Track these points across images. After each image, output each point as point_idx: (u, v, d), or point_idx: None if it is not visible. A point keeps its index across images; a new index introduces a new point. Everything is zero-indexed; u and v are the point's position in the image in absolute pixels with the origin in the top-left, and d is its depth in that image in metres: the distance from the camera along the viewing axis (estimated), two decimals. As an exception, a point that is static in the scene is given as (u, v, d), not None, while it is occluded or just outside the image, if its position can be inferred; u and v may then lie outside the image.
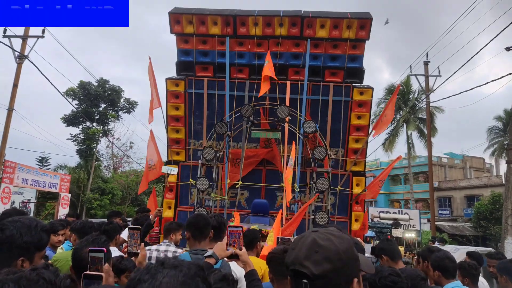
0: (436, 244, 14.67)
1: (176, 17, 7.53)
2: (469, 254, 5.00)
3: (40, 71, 15.46)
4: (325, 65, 7.61)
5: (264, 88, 7.14)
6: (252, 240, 4.37)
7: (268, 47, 7.57)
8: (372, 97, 7.66)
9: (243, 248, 2.48)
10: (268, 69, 6.89)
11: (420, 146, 31.41)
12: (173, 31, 7.64)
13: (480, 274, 4.44)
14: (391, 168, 8.14)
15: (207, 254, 2.44)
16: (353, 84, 7.63)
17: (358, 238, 4.07)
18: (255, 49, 7.61)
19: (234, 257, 2.40)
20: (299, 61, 7.64)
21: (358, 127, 7.80)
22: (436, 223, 25.67)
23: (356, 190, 7.97)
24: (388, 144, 30.38)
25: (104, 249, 1.94)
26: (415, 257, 5.50)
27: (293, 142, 6.64)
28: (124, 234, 5.53)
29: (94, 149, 27.17)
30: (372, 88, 7.66)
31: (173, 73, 8.15)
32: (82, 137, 26.59)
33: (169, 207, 8.13)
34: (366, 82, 7.85)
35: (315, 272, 1.06)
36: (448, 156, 37.75)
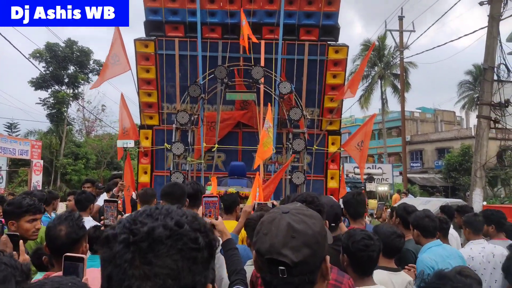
0: (409, 196, 15.26)
1: (142, -28, 7.08)
2: (441, 208, 5.21)
3: (0, 33, 14.50)
4: (300, 23, 7.40)
5: (246, 45, 6.88)
6: (231, 204, 4.39)
7: (241, 4, 7.26)
8: (347, 55, 7.58)
9: (219, 218, 2.45)
10: (247, 29, 6.66)
11: (394, 101, 31.92)
12: (140, -12, 7.21)
13: (451, 227, 4.66)
14: (369, 132, 8.09)
15: None
16: (328, 42, 7.48)
17: (331, 196, 4.11)
18: (228, 6, 7.29)
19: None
20: (273, 19, 7.39)
21: (333, 86, 7.75)
22: (408, 175, 26.64)
23: (332, 148, 8.05)
24: (364, 100, 30.72)
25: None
26: (388, 209, 5.68)
27: (269, 104, 6.55)
28: (100, 202, 5.46)
29: (65, 113, 26.35)
30: (348, 46, 7.56)
31: (139, 32, 7.79)
32: (51, 101, 25.66)
33: (145, 172, 8.03)
34: (340, 37, 7.71)
35: (295, 260, 1.03)
36: (420, 111, 38.62)
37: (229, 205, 4.36)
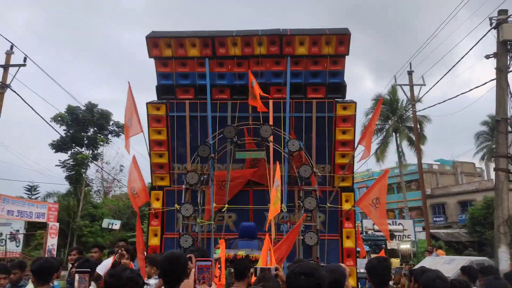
0: (434, 254, 14.50)
1: (154, 41, 7.45)
2: (462, 269, 4.89)
3: (23, 100, 15.24)
4: (306, 82, 7.55)
5: (260, 105, 7.01)
6: (243, 270, 4.20)
7: (249, 66, 7.50)
8: (355, 111, 7.59)
9: (213, 285, 2.31)
10: (258, 89, 6.84)
11: (410, 154, 31.60)
12: (152, 55, 7.55)
13: (475, 288, 4.32)
14: (385, 188, 7.89)
15: None
16: (335, 99, 7.56)
17: (342, 265, 3.89)
18: (236, 69, 7.54)
19: None
20: (280, 79, 7.57)
21: (343, 142, 7.71)
22: (431, 231, 25.58)
23: (346, 206, 7.82)
24: (380, 153, 30.51)
25: None
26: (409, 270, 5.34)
27: (277, 162, 6.51)
28: (101, 267, 5.31)
29: (84, 175, 26.82)
30: (355, 103, 7.61)
31: (152, 93, 8.06)
32: (71, 163, 26.27)
33: (155, 235, 7.89)
34: (350, 91, 7.82)
35: None
36: (438, 163, 37.95)
37: (241, 270, 4.19)
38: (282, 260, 5.83)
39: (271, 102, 7.53)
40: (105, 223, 7.46)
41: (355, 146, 7.75)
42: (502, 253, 8.00)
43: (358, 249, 8.87)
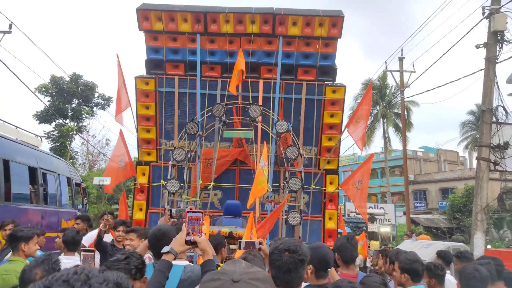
0: (413, 238, 14.87)
1: (145, 13, 7.30)
2: (438, 253, 5.04)
3: (8, 68, 14.84)
4: (297, 63, 7.53)
5: (234, 84, 6.98)
6: (217, 246, 4.25)
7: (240, 44, 7.43)
8: (344, 95, 7.63)
9: (203, 235, 2.33)
10: (240, 64, 6.77)
11: (396, 140, 31.92)
12: (142, 27, 7.41)
13: (448, 272, 4.48)
14: (368, 172, 8.04)
15: (163, 250, 2.29)
16: (325, 82, 7.57)
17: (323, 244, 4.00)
18: (227, 46, 7.46)
19: (193, 244, 2.25)
20: (271, 59, 7.53)
21: (331, 126, 7.77)
22: (412, 216, 26.15)
23: (330, 188, 7.96)
24: (366, 138, 30.75)
25: None
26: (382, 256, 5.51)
27: (264, 143, 6.54)
28: (86, 239, 5.33)
29: (68, 147, 26.48)
30: (345, 86, 7.64)
31: (141, 71, 7.94)
32: (55, 135, 25.85)
33: (140, 209, 7.94)
34: (342, 74, 7.84)
35: None
36: (423, 150, 38.53)
37: (215, 246, 4.24)
38: (264, 238, 5.93)
39: (261, 82, 7.51)
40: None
41: (342, 130, 7.82)
42: (478, 239, 8.27)
43: (340, 230, 9.07)
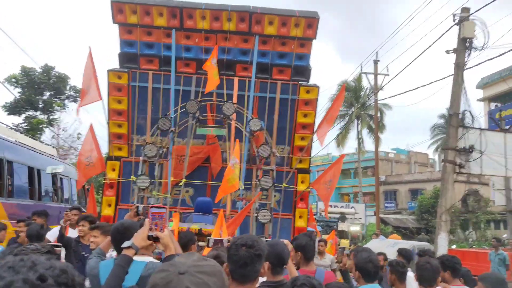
0: (381, 237, 15.27)
1: (119, 5, 7.18)
2: (399, 251, 5.22)
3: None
4: (273, 62, 7.58)
5: (211, 85, 6.97)
6: (187, 243, 4.27)
7: (216, 41, 7.41)
8: (318, 95, 7.73)
9: (166, 231, 2.34)
10: (210, 63, 6.74)
11: (370, 141, 32.57)
12: (116, 20, 7.29)
13: (409, 269, 4.64)
14: (339, 171, 8.18)
15: (124, 245, 2.28)
16: (300, 82, 7.66)
17: (285, 241, 4.09)
18: (203, 43, 7.43)
19: (155, 239, 2.26)
20: (247, 58, 7.55)
21: (304, 125, 7.86)
22: (382, 215, 26.78)
23: (301, 187, 8.05)
24: (341, 139, 31.25)
25: None
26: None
27: (237, 140, 6.56)
28: (51, 234, 5.22)
29: (38, 140, 25.74)
30: (318, 87, 7.74)
31: (114, 64, 7.80)
32: (25, 127, 25.06)
33: (109, 205, 7.80)
34: (316, 74, 7.94)
35: None
36: (394, 152, 39.48)
37: (185, 243, 4.25)
38: (233, 236, 5.96)
39: (236, 80, 7.52)
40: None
41: (315, 130, 7.93)
42: (441, 239, 8.56)
43: (310, 229, 9.21)
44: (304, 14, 7.27)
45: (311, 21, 7.24)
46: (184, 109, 7.16)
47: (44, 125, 25.56)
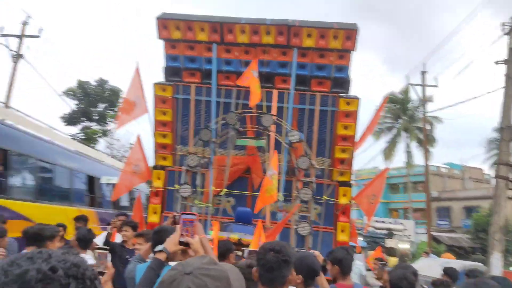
0: (431, 256, 14.54)
1: (164, 22, 7.53)
2: (444, 270, 4.97)
3: (36, 71, 15.59)
4: (312, 74, 7.58)
5: (255, 98, 7.10)
6: (225, 252, 4.35)
7: (255, 54, 7.56)
8: (358, 107, 7.61)
9: (196, 237, 2.41)
10: (251, 76, 6.88)
11: (419, 155, 31.34)
12: (161, 36, 7.65)
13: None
14: (382, 186, 7.99)
15: (157, 248, 2.38)
16: (339, 94, 7.59)
17: (315, 252, 4.05)
18: (243, 56, 7.60)
19: (186, 245, 2.33)
20: (286, 70, 7.61)
21: (344, 137, 7.75)
22: (434, 233, 25.49)
23: (343, 200, 7.90)
24: (388, 152, 30.34)
25: None
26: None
27: (275, 152, 6.60)
28: (99, 239, 5.51)
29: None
30: (359, 99, 7.62)
31: (158, 78, 8.16)
32: (81, 137, 26.67)
33: (155, 212, 8.09)
34: (362, 84, 7.84)
35: None
36: (447, 166, 37.57)
37: (223, 252, 4.32)
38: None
39: (275, 92, 7.60)
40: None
41: (356, 142, 7.80)
42: (495, 259, 8.01)
43: (353, 243, 8.98)
44: (343, 26, 7.24)
45: (349, 33, 7.19)
46: (224, 121, 7.32)
47: (99, 135, 27.04)
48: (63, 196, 8.91)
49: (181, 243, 2.30)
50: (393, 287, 3.02)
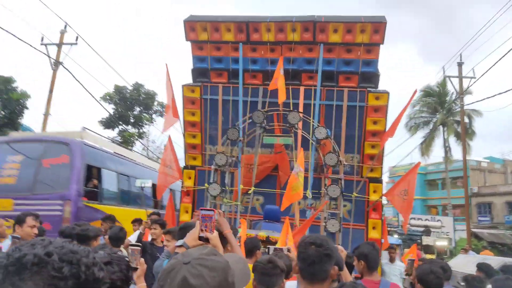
0: (470, 253, 14.02)
1: (191, 24, 7.68)
2: (478, 266, 4.82)
3: (74, 77, 16.29)
4: (339, 70, 7.50)
5: (282, 95, 7.13)
6: (252, 249, 4.40)
7: (281, 52, 7.56)
8: (388, 101, 7.45)
9: (215, 232, 2.46)
10: (279, 74, 6.91)
11: (458, 150, 30.19)
12: (188, 38, 7.80)
13: (489, 286, 4.26)
14: (414, 180, 7.80)
15: (177, 243, 2.45)
16: (368, 89, 7.47)
17: (339, 247, 4.03)
18: (268, 54, 7.62)
19: (205, 240, 2.39)
20: (312, 66, 7.57)
21: (374, 133, 7.62)
22: (475, 230, 24.55)
23: (373, 196, 7.77)
24: (425, 147, 29.44)
25: None
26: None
27: (301, 149, 6.58)
28: (131, 238, 5.72)
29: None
30: (388, 93, 7.47)
31: (186, 79, 8.32)
32: (119, 140, 27.54)
33: (186, 211, 8.27)
34: (399, 79, 7.67)
35: None
36: (488, 160, 36.00)
37: (250, 249, 4.38)
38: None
39: (302, 89, 7.57)
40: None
41: (384, 136, 7.64)
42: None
43: (396, 241, 8.77)
44: (370, 19, 7.11)
45: (377, 26, 7.05)
46: (251, 119, 7.38)
47: (136, 138, 27.85)
48: (137, 200, 10.53)
49: (200, 238, 2.36)
50: (420, 282, 2.97)
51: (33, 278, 0.84)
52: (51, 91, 14.99)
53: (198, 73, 8.09)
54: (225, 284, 1.08)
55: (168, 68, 7.86)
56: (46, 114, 14.84)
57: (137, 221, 7.38)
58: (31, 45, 12.94)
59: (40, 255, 0.86)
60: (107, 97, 25.90)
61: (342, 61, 7.44)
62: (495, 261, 8.20)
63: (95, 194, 8.43)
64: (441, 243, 16.65)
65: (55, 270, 0.86)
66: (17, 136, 9.74)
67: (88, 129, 9.60)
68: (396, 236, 17.03)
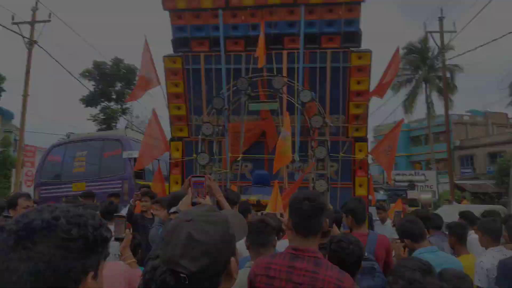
0: (453, 204, 14.62)
1: (167, -8, 7.46)
2: (460, 214, 5.06)
3: (51, 55, 15.79)
4: (321, 31, 7.45)
5: (261, 60, 7.09)
6: (243, 212, 4.54)
7: (262, 17, 7.45)
8: (371, 60, 7.49)
9: (207, 197, 2.55)
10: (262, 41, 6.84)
11: (440, 105, 30.56)
12: (166, 7, 7.61)
13: (473, 232, 4.48)
14: (397, 136, 7.99)
15: (171, 210, 2.54)
16: (350, 49, 7.47)
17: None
18: (249, 19, 7.50)
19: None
20: (294, 29, 7.50)
21: (358, 93, 7.69)
22: (458, 182, 25.36)
23: (359, 155, 7.94)
24: (408, 105, 29.83)
25: None
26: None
27: (286, 114, 6.64)
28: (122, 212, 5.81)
29: (114, 128, 27.80)
30: (371, 52, 7.49)
31: (167, 50, 8.17)
32: (101, 117, 27.19)
33: (176, 182, 8.34)
34: (380, 38, 7.68)
35: (192, 269, 1.07)
36: (470, 114, 36.74)
37: (242, 212, 4.50)
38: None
39: (285, 53, 7.53)
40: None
41: (369, 96, 7.74)
42: (517, 202, 8.00)
43: (382, 197, 9.06)
44: (350, -23, 7.03)
45: (357, -17, 6.97)
46: (236, 87, 7.36)
47: (119, 114, 27.52)
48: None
49: (193, 204, 2.44)
50: (403, 235, 3.12)
51: (44, 240, 0.90)
52: (27, 71, 14.56)
53: (179, 43, 7.94)
54: (227, 236, 1.15)
55: (147, 40, 7.73)
56: (25, 96, 14.46)
57: (88, 196, 7.56)
58: (1, 25, 12.44)
59: (48, 219, 0.92)
60: (86, 73, 25.31)
61: (324, 22, 7.38)
62: (477, 208, 8.56)
63: (141, 174, 10.55)
64: (425, 196, 17.26)
65: (64, 232, 0.92)
66: (81, 136, 12.46)
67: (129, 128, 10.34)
68: (382, 192, 17.53)
